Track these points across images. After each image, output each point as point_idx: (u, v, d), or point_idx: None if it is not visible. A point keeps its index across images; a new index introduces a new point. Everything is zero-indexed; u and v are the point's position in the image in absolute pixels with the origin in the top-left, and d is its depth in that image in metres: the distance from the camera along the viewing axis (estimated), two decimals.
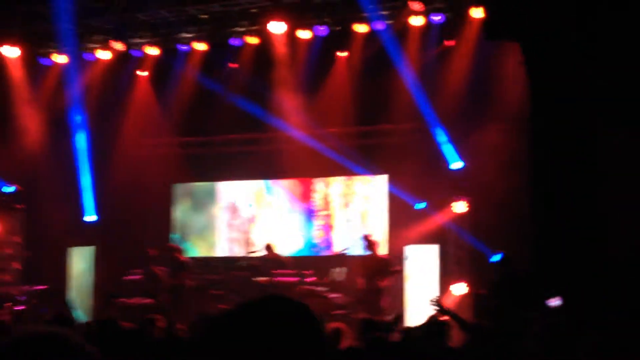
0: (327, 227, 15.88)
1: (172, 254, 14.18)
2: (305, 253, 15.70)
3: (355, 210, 15.71)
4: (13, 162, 15.44)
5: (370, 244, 13.35)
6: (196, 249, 16.56)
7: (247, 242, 16.12)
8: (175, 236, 16.58)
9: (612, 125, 9.67)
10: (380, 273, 12.95)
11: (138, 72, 16.26)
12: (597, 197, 9.71)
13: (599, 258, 9.58)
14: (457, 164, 13.69)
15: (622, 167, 9.59)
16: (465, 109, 13.51)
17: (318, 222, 15.95)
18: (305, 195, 16.07)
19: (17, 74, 16.03)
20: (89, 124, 15.89)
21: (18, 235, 16.18)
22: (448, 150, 13.76)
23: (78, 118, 15.78)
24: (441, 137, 13.78)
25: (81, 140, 15.91)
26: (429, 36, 13.80)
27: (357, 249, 14.22)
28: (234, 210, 16.60)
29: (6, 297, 14.91)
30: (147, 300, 13.82)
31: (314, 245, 15.81)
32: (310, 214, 15.97)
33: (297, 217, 16.07)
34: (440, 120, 13.71)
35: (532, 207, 11.09)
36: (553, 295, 11.21)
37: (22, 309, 14.69)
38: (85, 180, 16.00)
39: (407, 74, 13.95)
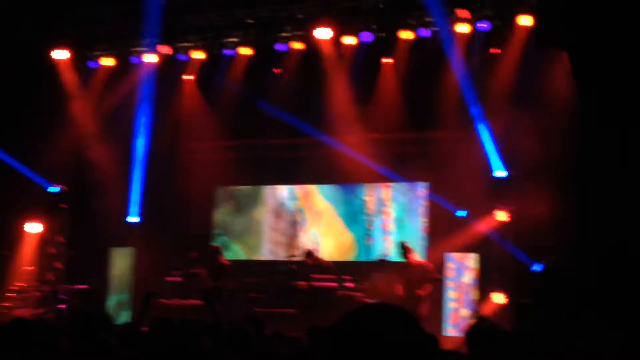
0: (371, 233, 15.93)
1: (213, 256, 14.26)
2: (360, 258, 15.66)
3: (395, 217, 15.71)
4: (59, 162, 15.65)
5: (406, 251, 13.35)
6: (237, 252, 16.66)
7: (291, 246, 16.20)
8: (218, 238, 16.70)
9: None
10: (420, 280, 12.93)
11: (184, 76, 16.41)
12: None
13: None
14: (501, 172, 13.61)
15: None
16: (511, 117, 13.44)
17: (366, 228, 15.98)
18: (350, 201, 16.12)
19: (65, 76, 16.29)
20: (135, 126, 16.08)
21: (61, 235, 16.40)
22: (492, 158, 13.68)
23: (135, 120, 15.99)
24: (486, 145, 13.70)
25: (131, 143, 16.09)
26: (475, 44, 13.77)
27: (396, 256, 14.23)
28: (278, 214, 16.69)
29: (49, 296, 15.12)
30: (188, 302, 13.93)
31: (366, 251, 15.78)
32: (358, 219, 16.01)
33: (343, 222, 16.12)
34: (486, 128, 13.65)
35: (577, 218, 11.01)
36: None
37: (64, 308, 14.88)
38: (131, 182, 16.17)
39: (453, 81, 13.93)
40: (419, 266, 13.20)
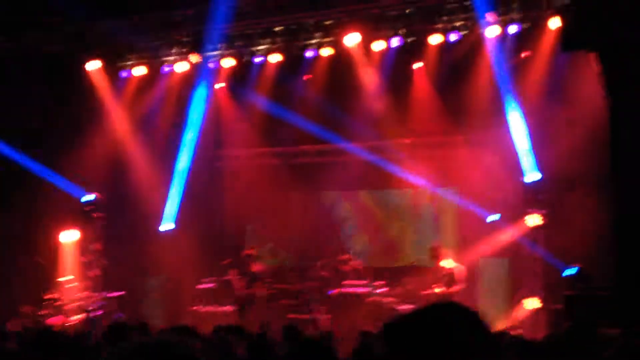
0: (398, 239, 15.91)
1: (246, 263, 14.29)
2: (396, 263, 15.60)
3: (426, 221, 15.66)
4: (93, 170, 15.84)
5: (437, 254, 13.28)
6: (269, 259, 16.70)
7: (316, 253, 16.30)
8: (266, 245, 16.76)
9: None
10: (448, 283, 12.89)
11: (216, 85, 16.51)
12: None
13: None
14: (533, 176, 13.43)
15: None
16: (542, 120, 13.31)
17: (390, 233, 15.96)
18: (374, 206, 16.13)
19: (98, 85, 16.49)
20: (169, 134, 16.23)
21: (97, 243, 16.58)
22: (524, 161, 13.51)
23: (168, 128, 16.14)
24: (518, 148, 13.54)
25: (165, 150, 16.23)
26: (506, 47, 13.63)
27: (427, 260, 14.17)
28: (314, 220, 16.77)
29: (85, 303, 15.30)
30: (221, 309, 14.01)
31: (401, 255, 15.73)
32: (394, 224, 15.99)
33: (369, 227, 16.13)
34: (517, 131, 13.49)
35: (611, 222, 10.84)
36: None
37: (99, 315, 15.06)
38: (165, 189, 16.29)
39: (484, 84, 13.85)
40: (448, 270, 13.11)
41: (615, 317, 9.84)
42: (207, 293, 14.82)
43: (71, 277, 15.78)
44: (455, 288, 12.79)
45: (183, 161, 16.16)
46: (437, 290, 12.91)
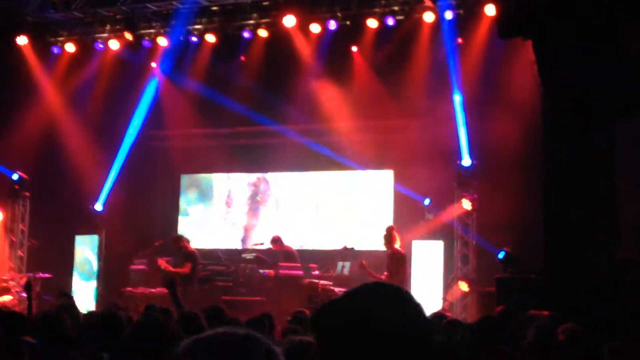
0: (333, 222, 15.97)
1: (178, 245, 14.15)
2: (326, 247, 15.61)
3: (361, 205, 15.76)
4: (23, 148, 15.47)
5: (391, 236, 13.10)
6: (201, 240, 16.58)
7: (249, 235, 16.27)
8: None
9: (625, 124, 9.68)
10: (393, 266, 12.83)
11: (150, 64, 16.23)
12: (609, 197, 9.71)
13: (609, 259, 9.59)
14: (466, 161, 13.68)
15: (636, 166, 9.60)
16: (475, 106, 13.53)
17: (324, 216, 16.05)
18: (309, 189, 16.18)
19: (27, 61, 16.05)
20: (99, 113, 15.92)
21: (23, 223, 16.23)
22: (457, 147, 13.73)
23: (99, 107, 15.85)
24: (451, 133, 13.74)
25: (96, 129, 15.93)
26: (442, 32, 13.77)
27: (362, 244, 14.26)
28: (241, 201, 16.73)
29: (10, 285, 14.97)
30: (153, 290, 13.87)
31: (332, 239, 15.76)
32: (325, 207, 16.05)
33: (304, 210, 16.17)
34: (450, 117, 13.69)
35: (542, 206, 11.08)
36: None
37: (25, 297, 14.73)
38: (96, 169, 16.01)
39: (419, 69, 13.99)
40: (397, 252, 12.91)
41: (544, 299, 10.09)
42: (139, 274, 14.63)
43: None
44: (401, 271, 12.76)
45: (118, 141, 15.92)
46: (385, 273, 12.78)
